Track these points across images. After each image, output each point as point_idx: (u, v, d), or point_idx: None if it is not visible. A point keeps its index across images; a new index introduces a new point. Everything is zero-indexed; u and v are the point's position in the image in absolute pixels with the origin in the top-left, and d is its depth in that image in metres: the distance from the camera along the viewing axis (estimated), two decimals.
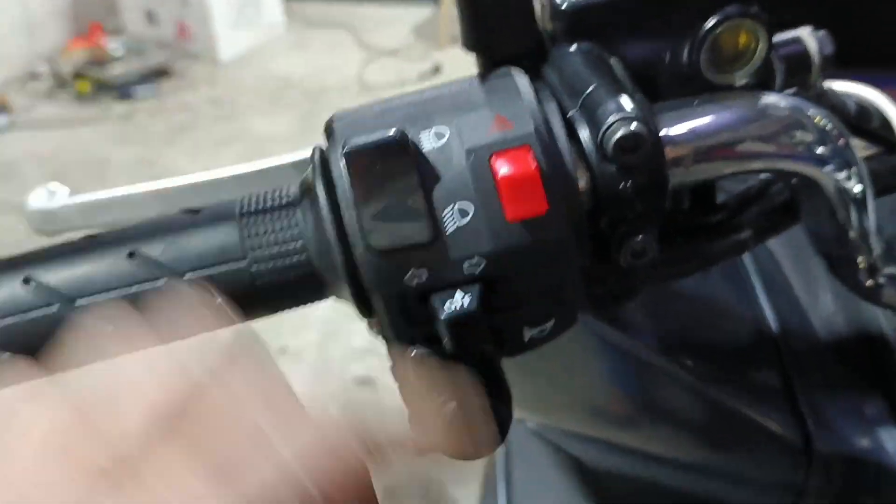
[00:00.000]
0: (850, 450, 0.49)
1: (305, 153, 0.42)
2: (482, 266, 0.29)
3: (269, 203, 0.32)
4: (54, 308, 0.30)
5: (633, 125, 0.30)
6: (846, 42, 0.41)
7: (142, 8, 3.56)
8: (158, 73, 3.30)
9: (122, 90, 3.18)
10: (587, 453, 0.58)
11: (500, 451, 0.68)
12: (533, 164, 0.28)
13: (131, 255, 0.31)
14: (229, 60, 3.46)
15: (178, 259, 0.31)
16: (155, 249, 0.31)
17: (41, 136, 3.00)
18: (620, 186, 0.31)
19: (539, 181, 0.28)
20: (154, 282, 0.31)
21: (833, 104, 0.43)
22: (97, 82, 3.19)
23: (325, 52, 3.52)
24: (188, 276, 0.31)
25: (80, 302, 0.30)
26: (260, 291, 0.31)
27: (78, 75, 3.20)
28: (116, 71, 3.20)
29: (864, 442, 0.49)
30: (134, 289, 0.30)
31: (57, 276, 0.31)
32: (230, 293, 0.31)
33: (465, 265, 0.29)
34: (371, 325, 0.34)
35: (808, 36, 0.38)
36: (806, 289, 0.54)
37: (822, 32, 0.39)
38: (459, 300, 0.29)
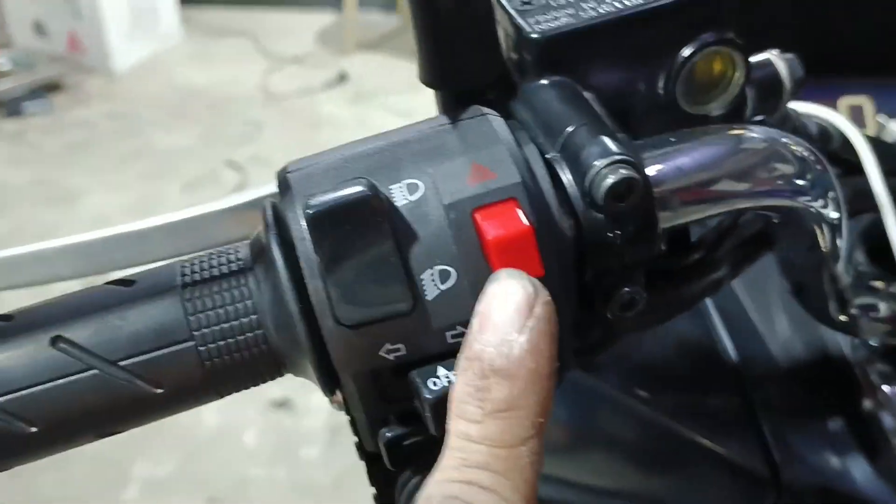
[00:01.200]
0: (818, 478, 0.48)
1: (243, 197, 0.38)
2: None
3: (215, 270, 0.28)
4: None
5: (623, 170, 0.27)
6: (797, 52, 0.40)
7: (30, 19, 3.40)
8: (50, 88, 3.15)
9: (10, 106, 3.02)
10: (547, 493, 0.56)
11: None
12: (524, 222, 0.25)
13: (54, 341, 0.26)
14: (125, 72, 3.33)
15: (110, 344, 0.26)
16: (82, 333, 0.27)
17: None
18: (609, 236, 0.28)
19: (532, 241, 0.25)
20: (83, 373, 0.26)
21: (796, 126, 0.42)
22: None
23: (227, 61, 3.42)
24: (124, 363, 0.26)
25: None
26: (210, 375, 0.27)
27: None
28: (4, 86, 3.04)
29: (831, 469, 0.48)
30: (60, 382, 0.26)
31: None
32: (175, 379, 0.27)
33: (448, 335, 0.26)
34: (333, 402, 0.30)
35: (777, 59, 0.37)
36: (761, 315, 0.52)
37: (791, 56, 0.37)
38: (445, 377, 0.26)
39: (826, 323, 0.41)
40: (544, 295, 0.25)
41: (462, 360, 0.25)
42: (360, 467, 0.32)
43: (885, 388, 0.47)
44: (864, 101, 0.74)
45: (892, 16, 0.73)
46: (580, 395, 0.49)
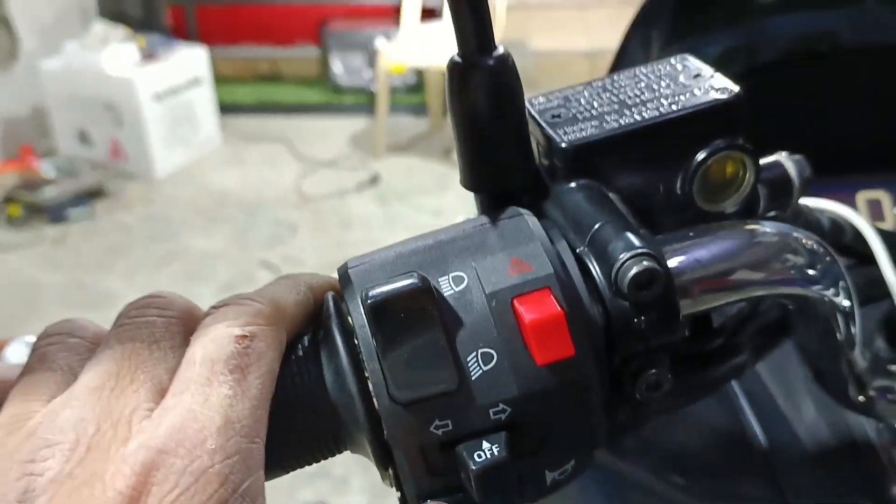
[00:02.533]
0: None
1: None
2: (508, 412, 0.29)
3: (285, 356, 0.31)
4: None
5: (646, 262, 0.30)
6: (814, 153, 0.43)
7: (74, 129, 3.55)
8: (92, 194, 3.26)
9: (54, 212, 3.12)
10: None
11: None
12: (557, 307, 0.28)
13: None
14: (164, 178, 3.45)
15: None
16: None
17: None
18: (635, 322, 0.31)
19: (564, 324, 0.28)
20: None
21: (808, 221, 0.45)
22: (29, 205, 3.13)
23: (262, 165, 3.54)
24: None
25: None
26: (275, 450, 0.30)
27: (9, 199, 3.14)
28: (49, 193, 3.15)
29: None
30: None
31: None
32: None
33: (491, 412, 0.29)
34: (385, 477, 0.32)
35: (786, 160, 0.40)
36: (787, 398, 0.54)
37: (799, 157, 0.40)
38: (488, 450, 0.28)
39: (846, 405, 0.43)
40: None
41: None
42: None
43: None
44: (882, 195, 0.77)
45: None
46: (615, 482, 0.51)
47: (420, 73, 3.91)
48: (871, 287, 0.44)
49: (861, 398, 0.42)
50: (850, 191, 0.77)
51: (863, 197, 0.75)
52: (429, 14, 3.64)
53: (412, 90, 4.03)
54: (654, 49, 0.70)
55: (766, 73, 0.73)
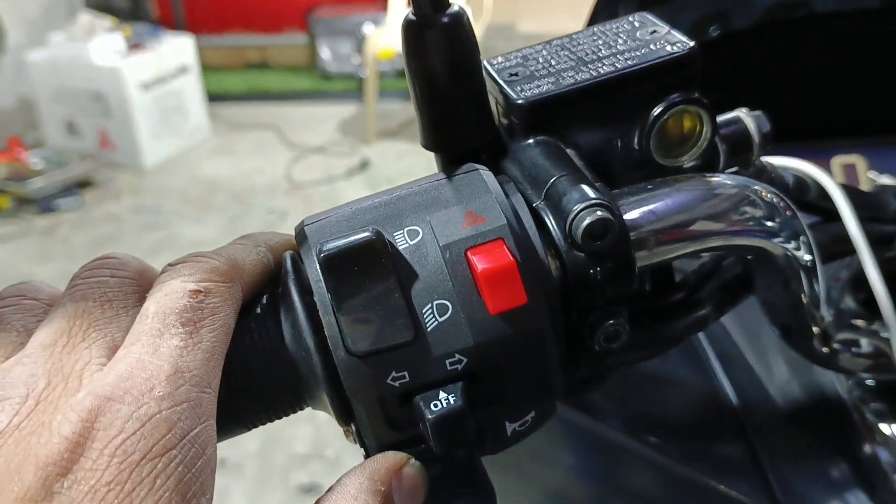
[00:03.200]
0: None
1: None
2: (464, 362, 0.29)
3: (243, 313, 0.31)
4: None
5: (599, 212, 0.30)
6: (779, 118, 0.43)
7: (62, 120, 3.54)
8: (81, 185, 3.26)
9: (43, 204, 3.12)
10: None
11: None
12: (509, 257, 0.29)
13: None
14: (154, 167, 3.44)
15: None
16: None
17: None
18: (590, 273, 0.31)
19: (517, 272, 0.29)
20: None
21: (772, 178, 0.45)
22: (18, 197, 3.13)
23: (252, 153, 3.54)
24: None
25: None
26: (236, 407, 0.30)
27: None
28: (37, 185, 3.15)
29: None
30: None
31: None
32: None
33: (447, 362, 0.29)
34: (347, 434, 0.33)
35: (746, 116, 0.40)
36: (759, 359, 0.55)
37: (758, 113, 0.41)
38: (445, 399, 0.29)
39: (812, 360, 0.44)
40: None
41: None
42: None
43: (882, 426, 0.49)
44: (857, 160, 0.77)
45: (882, 79, 0.77)
46: (588, 441, 0.52)
47: None
48: (837, 244, 0.44)
49: (825, 350, 0.42)
50: (825, 156, 0.77)
51: (838, 162, 0.75)
52: None
53: (400, 75, 4.02)
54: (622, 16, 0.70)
55: (740, 39, 0.73)
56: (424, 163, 3.30)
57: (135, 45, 3.44)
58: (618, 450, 0.51)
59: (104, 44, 3.38)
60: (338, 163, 3.36)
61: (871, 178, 0.56)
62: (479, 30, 3.02)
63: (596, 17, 0.67)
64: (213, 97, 3.83)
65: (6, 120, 3.59)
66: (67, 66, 3.42)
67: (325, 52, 4.15)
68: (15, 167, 3.23)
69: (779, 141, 0.43)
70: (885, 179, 0.54)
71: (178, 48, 3.59)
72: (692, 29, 0.73)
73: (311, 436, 1.98)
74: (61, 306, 0.28)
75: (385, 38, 3.38)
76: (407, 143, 3.49)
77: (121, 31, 3.47)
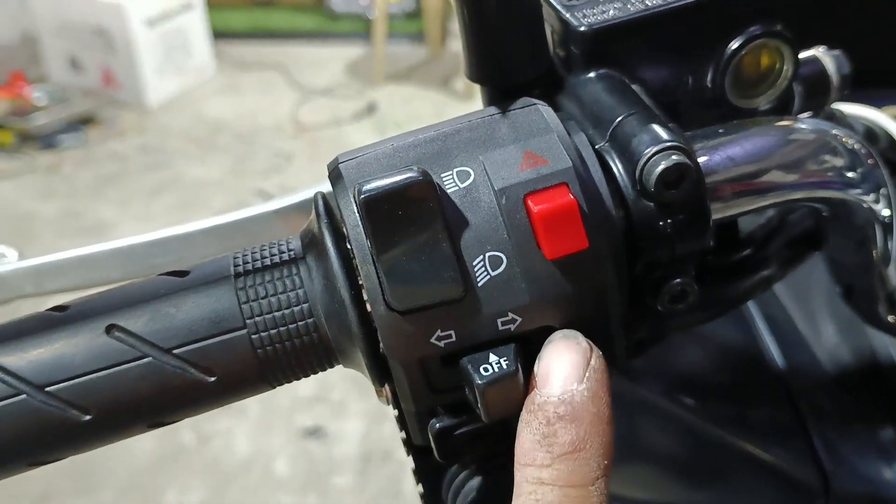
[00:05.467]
0: (869, 486, 0.47)
1: (291, 199, 0.38)
2: (518, 322, 0.26)
3: (267, 259, 0.28)
4: (21, 397, 0.26)
5: (675, 156, 0.27)
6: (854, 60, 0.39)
7: (65, 55, 3.47)
8: (84, 121, 3.21)
9: (46, 140, 3.07)
10: None
11: None
12: (570, 197, 0.25)
13: (109, 330, 0.26)
14: (158, 106, 3.38)
15: (164, 332, 0.27)
16: (137, 322, 0.27)
17: None
18: (660, 225, 0.28)
19: (578, 215, 0.25)
20: (138, 361, 0.26)
21: (843, 126, 0.41)
22: (20, 133, 3.08)
23: (257, 93, 3.47)
24: (177, 351, 0.26)
25: (50, 389, 0.26)
26: (262, 364, 0.27)
27: None
28: (40, 121, 3.09)
29: (882, 476, 0.47)
30: (114, 370, 0.26)
31: (20, 359, 0.26)
32: (228, 367, 0.27)
33: (499, 322, 0.26)
34: (380, 395, 0.30)
35: (824, 55, 0.36)
36: (807, 320, 0.51)
37: (838, 52, 0.37)
38: (496, 363, 0.25)
39: (876, 325, 0.41)
40: (598, 351, 0.27)
41: (524, 413, 0.26)
42: (393, 495, 0.32)
43: None
44: None
45: None
46: (625, 404, 0.49)
47: (418, 0, 3.81)
48: None
49: (891, 318, 0.39)
50: (877, 105, 0.73)
51: (891, 112, 0.71)
52: None
53: (410, 17, 3.93)
54: None
55: None
56: (433, 108, 3.25)
57: None
58: (654, 412, 0.48)
59: None
60: (344, 105, 3.30)
61: None
62: None
63: None
64: (218, 34, 3.75)
65: (8, 54, 3.52)
66: (70, 1, 3.35)
67: None
68: (17, 102, 3.17)
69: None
70: None
71: None
72: None
73: (315, 378, 1.97)
74: None
75: None
76: (415, 87, 3.42)
77: None
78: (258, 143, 3.07)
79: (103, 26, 3.33)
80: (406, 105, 3.28)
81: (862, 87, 0.67)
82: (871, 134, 0.42)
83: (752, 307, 0.52)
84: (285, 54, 3.74)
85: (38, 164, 3.00)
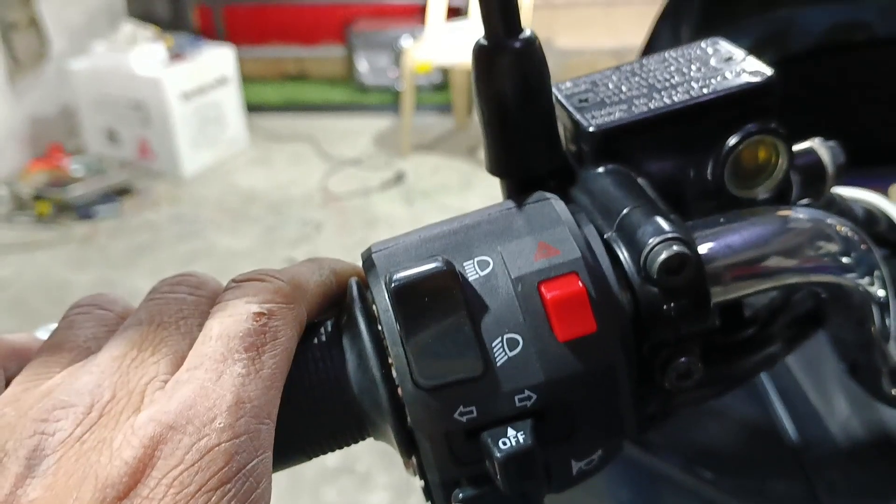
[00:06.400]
0: None
1: None
2: (534, 399, 0.28)
3: (306, 340, 0.31)
4: None
5: (676, 246, 0.29)
6: (847, 145, 0.42)
7: (103, 128, 3.58)
8: (120, 192, 3.29)
9: (82, 211, 3.15)
10: None
11: None
12: (580, 285, 0.28)
13: None
14: (192, 177, 3.47)
15: None
16: None
17: None
18: (664, 308, 0.30)
19: (586, 301, 0.28)
20: None
21: (841, 210, 0.44)
22: (57, 203, 3.16)
23: (288, 164, 3.55)
24: None
25: None
26: (296, 436, 0.30)
27: (38, 197, 3.18)
28: (77, 192, 3.18)
29: None
30: None
31: None
32: None
33: (517, 398, 0.28)
34: (408, 466, 0.32)
35: (820, 146, 0.39)
36: (819, 394, 0.53)
37: (832, 143, 0.39)
38: (514, 437, 0.28)
39: (881, 399, 0.42)
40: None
41: None
42: None
43: None
44: None
45: None
46: (643, 476, 0.50)
47: (445, 72, 3.90)
48: None
49: (895, 392, 0.41)
50: (882, 183, 0.75)
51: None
52: (454, 13, 3.63)
53: (437, 89, 4.03)
54: (683, 40, 0.69)
55: (797, 63, 0.72)
56: (459, 177, 3.30)
57: (176, 56, 3.48)
58: (672, 485, 0.49)
59: (146, 53, 3.42)
60: (373, 175, 3.36)
61: None
62: None
63: (656, 39, 0.66)
64: (252, 108, 3.86)
65: (48, 127, 3.64)
66: (109, 75, 3.46)
67: (362, 65, 4.17)
68: (56, 174, 3.27)
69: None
70: None
71: (219, 59, 3.62)
72: (748, 51, 0.71)
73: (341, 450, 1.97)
74: (136, 318, 0.28)
75: (422, 51, 3.38)
76: (442, 157, 3.49)
77: (162, 40, 3.50)
78: (288, 213, 3.13)
79: (140, 100, 3.44)
80: (433, 175, 3.34)
81: (868, 164, 0.70)
82: (871, 216, 0.44)
83: (766, 381, 0.53)
84: (316, 126, 3.84)
85: (73, 235, 3.07)
